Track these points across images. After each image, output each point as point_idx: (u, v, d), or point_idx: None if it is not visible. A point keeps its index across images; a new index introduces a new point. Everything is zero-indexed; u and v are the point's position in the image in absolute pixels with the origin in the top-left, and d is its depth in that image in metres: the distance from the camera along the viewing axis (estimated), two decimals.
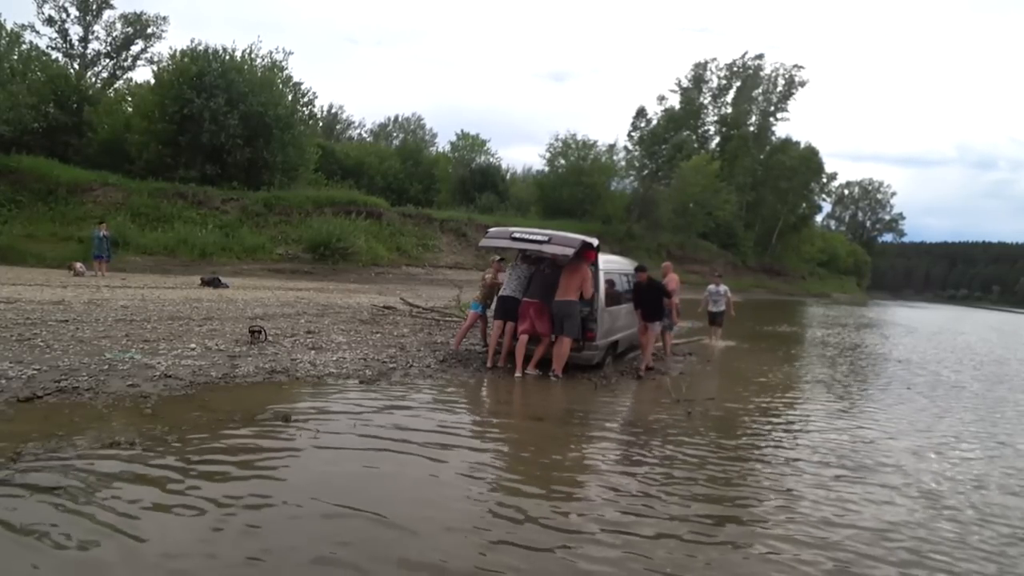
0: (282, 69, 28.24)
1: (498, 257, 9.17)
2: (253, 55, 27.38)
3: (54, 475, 3.61)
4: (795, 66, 56.40)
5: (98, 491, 3.48)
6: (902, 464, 5.12)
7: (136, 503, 3.37)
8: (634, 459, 4.83)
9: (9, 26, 26.02)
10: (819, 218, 72.95)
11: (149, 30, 32.60)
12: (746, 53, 57.10)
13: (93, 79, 31.37)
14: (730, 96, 57.19)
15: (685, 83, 57.01)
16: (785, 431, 6.14)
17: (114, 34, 32.19)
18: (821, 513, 3.92)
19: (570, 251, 7.40)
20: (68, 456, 3.90)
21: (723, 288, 12.75)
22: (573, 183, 39.73)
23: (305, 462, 4.19)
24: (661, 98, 56.35)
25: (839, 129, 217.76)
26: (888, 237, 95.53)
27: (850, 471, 4.85)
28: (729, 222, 49.06)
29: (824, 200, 67.48)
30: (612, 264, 9.05)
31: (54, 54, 30.09)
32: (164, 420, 4.75)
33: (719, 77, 57.43)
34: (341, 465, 4.19)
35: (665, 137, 51.10)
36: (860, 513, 3.99)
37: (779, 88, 56.96)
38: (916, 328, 24.17)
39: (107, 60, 32.94)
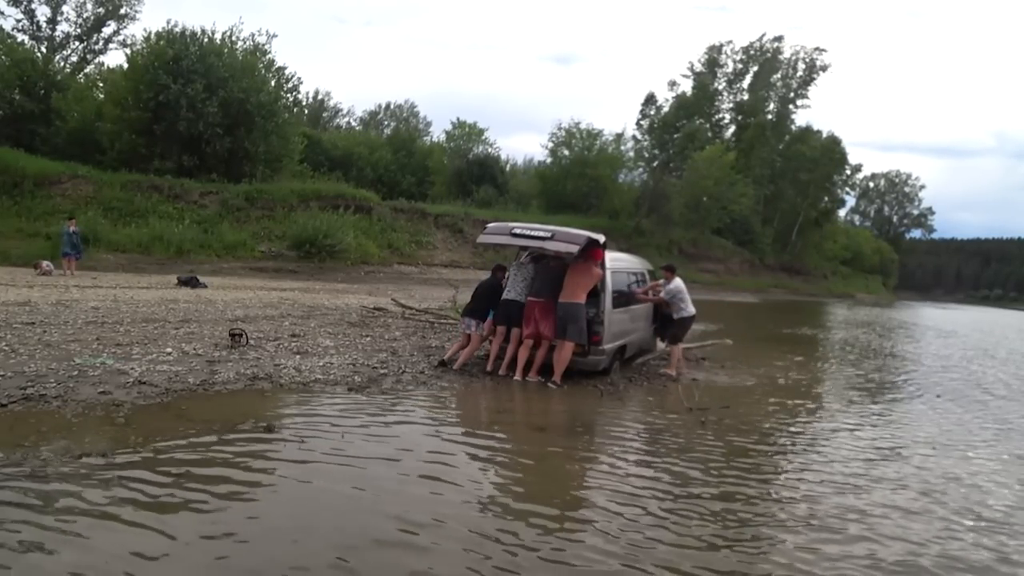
0: (265, 53, 28.30)
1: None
2: (233, 38, 27.47)
3: (18, 488, 3.60)
4: (816, 49, 56.46)
5: (65, 507, 3.47)
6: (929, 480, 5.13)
7: (107, 519, 3.37)
8: (642, 475, 4.82)
9: None
10: (842, 213, 73.23)
11: (122, 10, 32.65)
12: (764, 35, 57.21)
13: (62, 63, 31.37)
14: (746, 82, 57.17)
15: (698, 67, 57.09)
16: (807, 443, 6.15)
17: (84, 15, 32.26)
18: (854, 548, 3.76)
19: (574, 248, 7.40)
20: (34, 468, 3.89)
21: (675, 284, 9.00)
22: (577, 175, 39.76)
23: (288, 476, 4.19)
24: (672, 83, 56.36)
25: (866, 117, 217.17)
26: (917, 233, 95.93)
27: (876, 492, 4.85)
28: (746, 217, 49.08)
29: (848, 193, 67.73)
30: (620, 263, 9.03)
31: (20, 37, 30.16)
32: (138, 430, 4.75)
33: (735, 61, 57.47)
34: (327, 480, 4.18)
35: (676, 126, 51.16)
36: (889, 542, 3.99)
37: (799, 73, 56.94)
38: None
39: (77, 43, 33.00)
